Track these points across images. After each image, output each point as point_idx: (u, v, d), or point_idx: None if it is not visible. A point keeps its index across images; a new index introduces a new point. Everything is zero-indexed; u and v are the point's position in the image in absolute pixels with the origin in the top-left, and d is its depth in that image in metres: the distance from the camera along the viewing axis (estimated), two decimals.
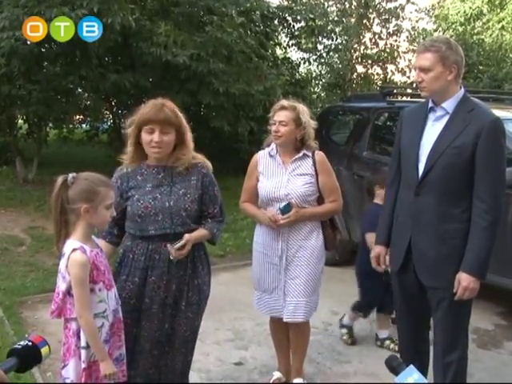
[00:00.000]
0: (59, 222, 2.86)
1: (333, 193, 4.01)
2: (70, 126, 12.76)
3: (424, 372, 3.72)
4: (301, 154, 3.96)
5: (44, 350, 1.91)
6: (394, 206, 3.56)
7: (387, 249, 3.63)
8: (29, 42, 8.66)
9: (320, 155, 4.00)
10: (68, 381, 2.85)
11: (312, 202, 3.95)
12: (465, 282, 3.17)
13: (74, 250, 2.77)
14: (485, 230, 3.17)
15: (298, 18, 12.20)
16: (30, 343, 1.90)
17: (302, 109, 3.95)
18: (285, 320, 3.99)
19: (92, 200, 2.79)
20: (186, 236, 3.20)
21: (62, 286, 2.82)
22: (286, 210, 3.82)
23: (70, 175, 2.83)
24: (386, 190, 3.69)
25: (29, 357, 1.88)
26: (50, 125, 12.09)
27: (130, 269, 3.24)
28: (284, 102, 3.98)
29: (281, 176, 3.95)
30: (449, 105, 3.28)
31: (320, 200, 3.99)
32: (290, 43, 13.71)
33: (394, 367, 1.85)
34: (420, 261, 3.36)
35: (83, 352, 2.81)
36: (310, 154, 3.97)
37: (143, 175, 3.23)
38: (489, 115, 3.28)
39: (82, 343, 2.80)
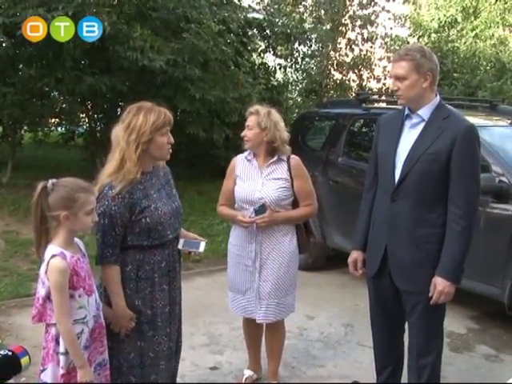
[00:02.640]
0: (39, 229, 2.84)
1: (308, 197, 4.07)
2: (46, 129, 12.63)
3: (398, 375, 3.77)
4: (275, 159, 4.03)
5: (24, 361, 1.91)
6: (370, 211, 3.62)
7: (364, 254, 3.68)
8: (4, 44, 8.59)
9: (295, 160, 4.07)
10: None
11: (286, 205, 4.02)
12: (440, 286, 3.23)
13: (53, 255, 2.75)
14: (460, 234, 3.23)
15: (276, 29, 12.26)
16: (10, 353, 1.89)
17: (266, 112, 4.02)
18: (257, 321, 4.09)
19: (71, 207, 2.78)
20: (195, 235, 3.56)
21: (41, 291, 2.80)
22: (260, 211, 3.88)
23: (50, 181, 2.81)
24: (364, 195, 3.74)
25: (8, 366, 1.87)
26: (25, 128, 11.96)
27: (152, 280, 3.19)
28: (252, 107, 4.09)
29: (256, 180, 4.03)
30: (424, 112, 3.34)
31: (295, 204, 4.06)
32: (266, 49, 13.73)
33: None
34: (395, 266, 3.41)
35: (62, 358, 2.79)
36: (285, 159, 4.04)
37: (142, 184, 3.15)
38: (464, 122, 3.35)
39: (61, 349, 2.79)
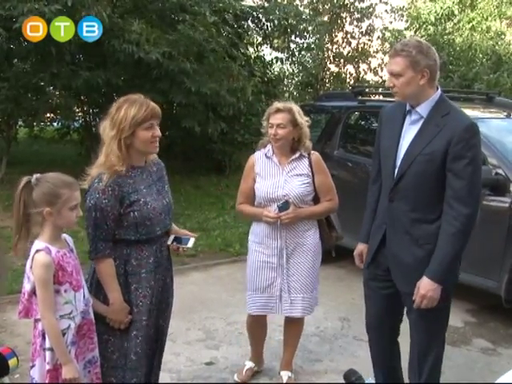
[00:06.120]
0: (20, 224, 2.81)
1: (329, 192, 4.11)
2: (41, 124, 12.58)
3: (398, 372, 3.71)
4: (297, 155, 4.06)
5: (12, 362, 1.88)
6: (376, 204, 3.52)
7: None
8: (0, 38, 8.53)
9: (316, 156, 4.11)
10: (34, 381, 2.80)
11: (309, 201, 4.06)
12: (423, 289, 3.13)
13: (37, 250, 2.73)
14: (452, 236, 3.10)
15: (271, 17, 12.15)
16: None
17: (297, 109, 4.04)
18: (284, 315, 4.14)
19: (54, 203, 2.75)
20: (186, 231, 3.44)
21: (27, 286, 2.78)
22: (284, 207, 3.92)
23: (34, 176, 2.79)
24: (369, 188, 3.65)
25: None
26: (20, 123, 11.91)
27: (139, 276, 3.15)
28: (279, 105, 4.06)
29: (278, 177, 4.04)
30: (423, 109, 3.21)
31: (316, 199, 4.08)
32: (263, 42, 13.67)
33: (353, 381, 1.83)
34: (396, 268, 3.34)
35: (48, 353, 2.76)
36: (306, 155, 4.07)
37: (132, 178, 3.12)
38: (463, 121, 3.17)
39: (47, 345, 2.76)
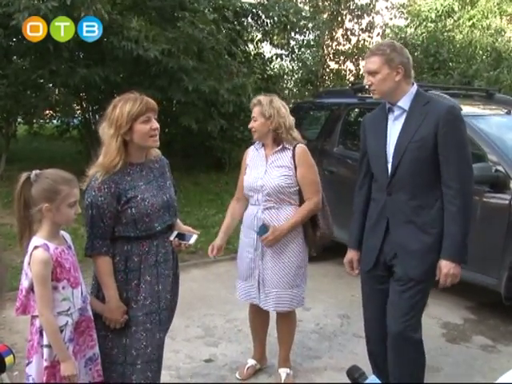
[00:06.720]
0: (22, 220, 2.81)
1: (310, 187, 4.03)
2: (41, 121, 12.56)
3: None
4: (280, 147, 4.05)
5: (8, 360, 1.87)
6: (364, 209, 3.62)
7: (359, 253, 3.66)
8: None
9: (300, 148, 4.06)
10: (30, 378, 2.80)
11: (291, 194, 4.00)
12: (445, 268, 3.25)
13: (35, 247, 2.72)
14: (457, 214, 3.23)
15: (271, 14, 12.13)
16: None
17: (268, 101, 4.05)
18: (261, 306, 4.13)
19: (53, 199, 2.74)
20: (190, 228, 3.40)
21: (24, 282, 2.77)
22: (262, 231, 3.90)
23: (34, 172, 2.79)
24: (356, 194, 3.73)
25: None
26: (20, 120, 11.89)
27: (139, 271, 3.15)
28: (254, 99, 4.14)
29: (261, 168, 4.06)
30: (404, 102, 3.37)
31: (301, 193, 4.04)
32: (262, 39, 13.66)
33: (356, 378, 1.82)
34: (403, 255, 3.37)
35: (45, 350, 2.75)
36: (291, 148, 4.04)
37: (130, 175, 3.11)
38: (444, 104, 3.39)
39: (45, 341, 2.76)
